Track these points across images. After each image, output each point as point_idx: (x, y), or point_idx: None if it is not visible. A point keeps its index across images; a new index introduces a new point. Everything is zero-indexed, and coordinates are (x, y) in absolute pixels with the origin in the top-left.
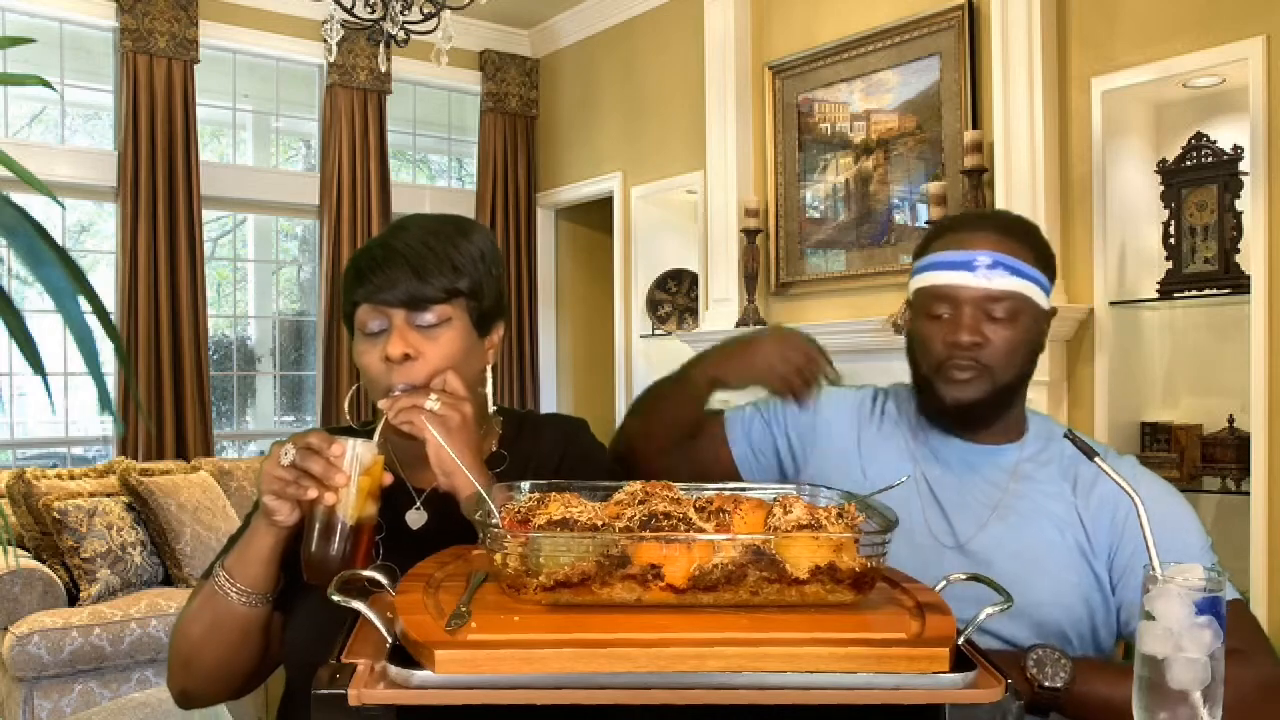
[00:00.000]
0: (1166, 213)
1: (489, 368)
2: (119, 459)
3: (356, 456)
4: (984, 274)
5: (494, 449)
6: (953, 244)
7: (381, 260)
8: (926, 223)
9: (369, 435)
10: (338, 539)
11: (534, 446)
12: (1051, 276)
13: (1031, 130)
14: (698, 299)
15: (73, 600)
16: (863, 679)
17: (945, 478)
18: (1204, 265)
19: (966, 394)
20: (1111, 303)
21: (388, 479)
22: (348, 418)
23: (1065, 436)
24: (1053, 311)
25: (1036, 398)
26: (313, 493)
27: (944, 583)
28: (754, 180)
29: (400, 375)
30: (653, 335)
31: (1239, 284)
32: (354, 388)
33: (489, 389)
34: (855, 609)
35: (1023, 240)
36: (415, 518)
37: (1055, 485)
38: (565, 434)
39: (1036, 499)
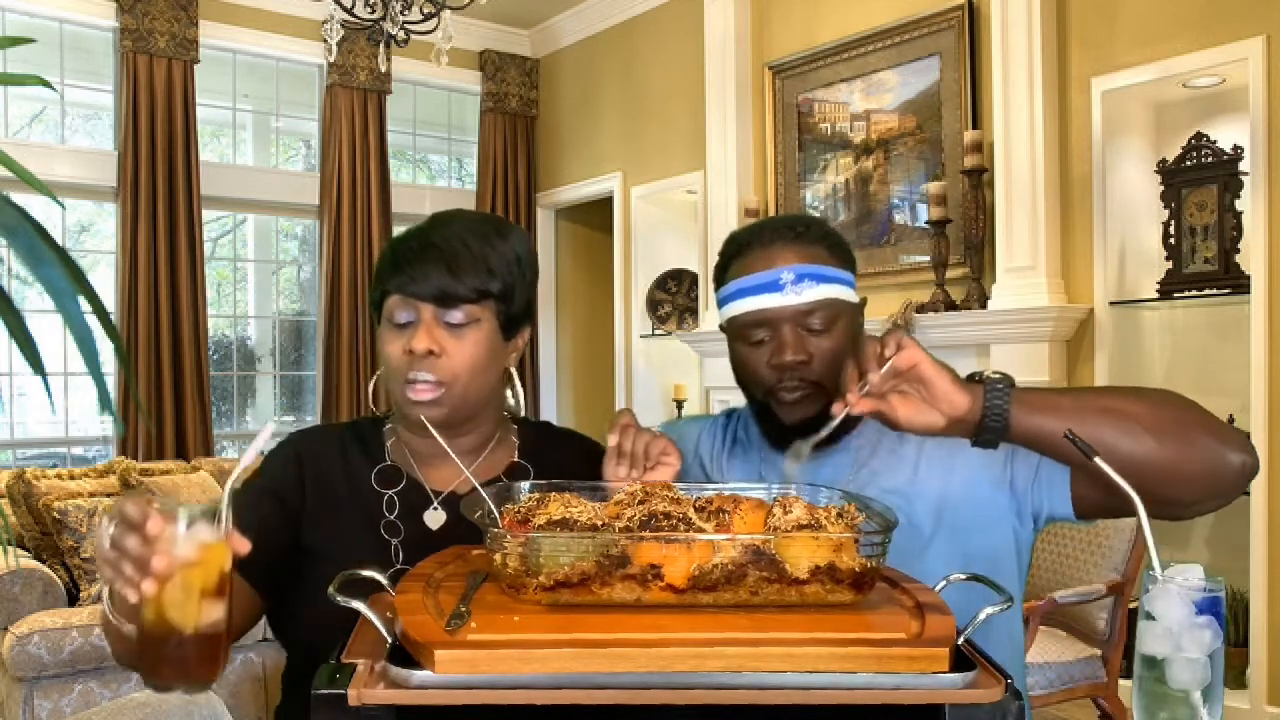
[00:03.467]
0: (1166, 213)
1: (514, 370)
2: (119, 459)
3: (188, 537)
4: (792, 290)
5: (514, 459)
6: (753, 265)
7: (418, 252)
8: (927, 222)
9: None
10: (172, 646)
11: (560, 462)
12: (853, 269)
13: (1031, 130)
14: (698, 299)
15: (73, 600)
16: (863, 679)
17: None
18: (1204, 265)
19: (805, 413)
20: (1111, 303)
21: (242, 547)
22: (372, 406)
23: (1065, 437)
24: (863, 301)
25: None
26: (133, 596)
27: (944, 583)
28: (754, 180)
29: (422, 369)
30: (653, 335)
31: (1239, 284)
32: (376, 375)
33: (519, 391)
34: (855, 609)
35: (819, 242)
36: (434, 518)
37: (890, 457)
38: (590, 456)
39: (883, 478)
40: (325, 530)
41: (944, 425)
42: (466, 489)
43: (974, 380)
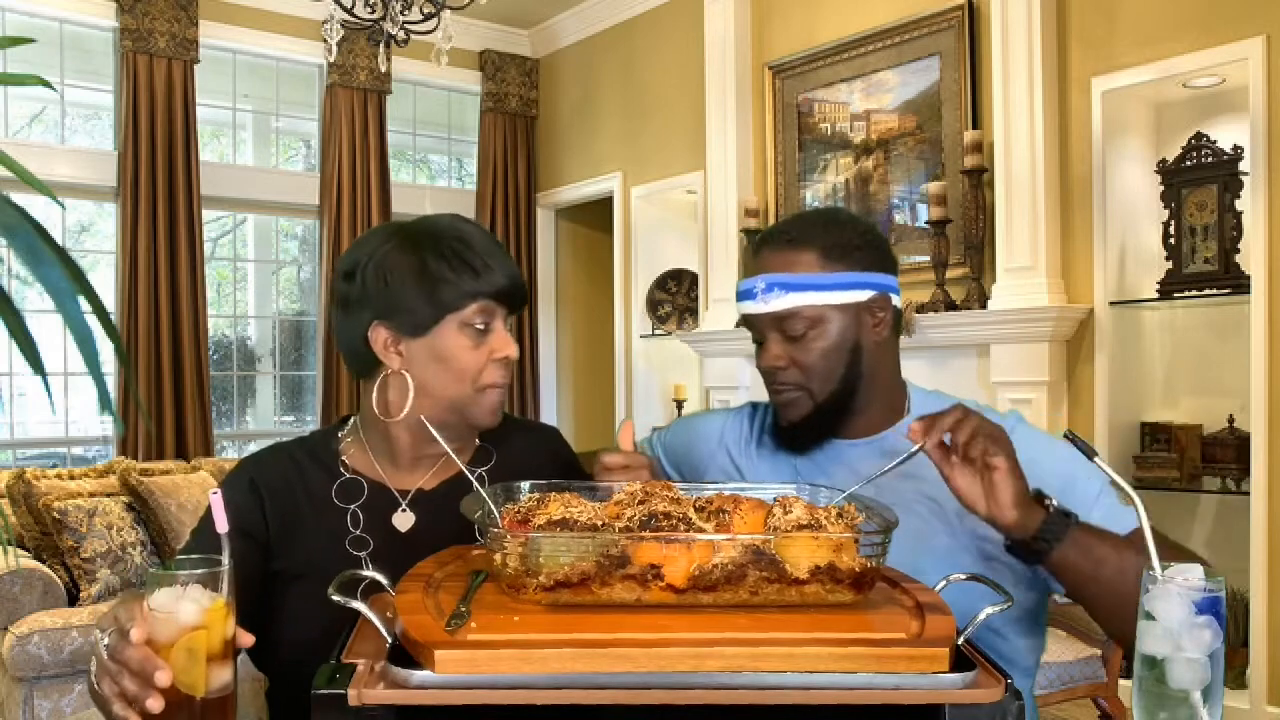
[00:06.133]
0: (1166, 213)
1: None
2: (119, 459)
3: (191, 602)
4: (763, 299)
5: (475, 443)
6: (745, 271)
7: (492, 255)
8: (927, 222)
9: (212, 562)
10: (181, 715)
11: (519, 448)
12: (859, 265)
13: (1031, 130)
14: (698, 299)
15: (73, 600)
16: (862, 679)
17: (831, 481)
18: (1204, 265)
19: (794, 414)
20: (1111, 303)
21: (246, 640)
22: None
23: (1065, 437)
24: (881, 299)
25: (1036, 398)
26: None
27: (944, 583)
28: (754, 180)
29: (505, 374)
30: (653, 335)
31: (1239, 284)
32: (381, 378)
33: None
34: (855, 609)
35: (805, 246)
36: (402, 520)
37: (930, 468)
38: (548, 441)
39: (909, 484)
40: (293, 555)
41: (983, 515)
42: (432, 487)
43: (1040, 501)
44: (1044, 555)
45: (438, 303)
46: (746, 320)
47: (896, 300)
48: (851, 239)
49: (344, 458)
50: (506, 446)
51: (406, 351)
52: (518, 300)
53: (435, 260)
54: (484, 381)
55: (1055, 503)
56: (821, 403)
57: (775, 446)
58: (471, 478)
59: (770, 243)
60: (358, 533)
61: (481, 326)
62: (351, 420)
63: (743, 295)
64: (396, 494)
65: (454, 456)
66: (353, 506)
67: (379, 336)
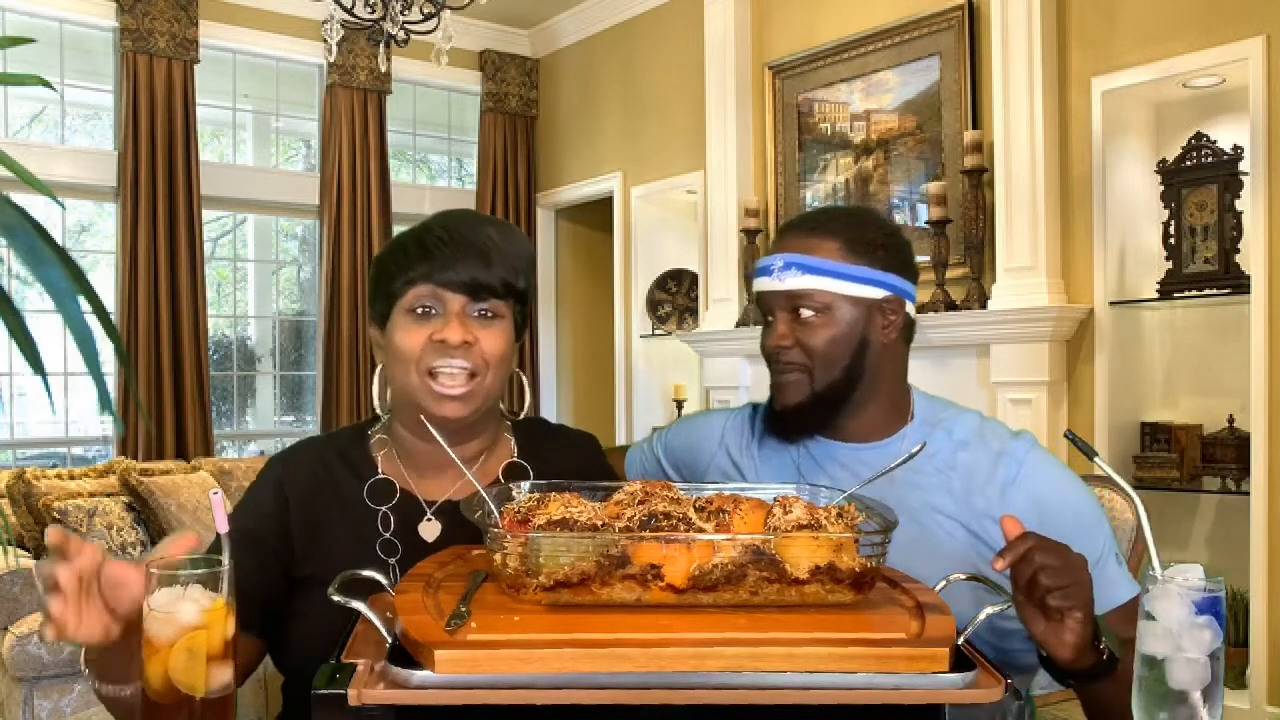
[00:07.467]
0: (1166, 213)
1: (519, 371)
2: (119, 459)
3: (191, 601)
4: (778, 276)
5: (511, 459)
6: (766, 252)
7: (449, 243)
8: (927, 223)
9: (213, 562)
10: (181, 715)
11: (554, 460)
12: (878, 264)
13: (1031, 130)
14: (698, 299)
15: None
16: (863, 679)
17: (833, 483)
18: (1204, 265)
19: (792, 397)
20: (1111, 303)
21: None
22: (376, 407)
23: (1065, 436)
24: (894, 301)
25: (1036, 398)
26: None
27: (944, 583)
28: (754, 180)
29: (455, 357)
30: (653, 335)
31: (1239, 284)
32: (378, 372)
33: (528, 396)
34: (855, 609)
35: (834, 236)
36: (428, 529)
37: (936, 477)
38: (585, 451)
39: (916, 493)
40: (319, 560)
41: (1036, 638)
42: (462, 497)
43: (1095, 641)
44: (1076, 685)
45: (387, 293)
46: (759, 298)
47: (910, 308)
48: (875, 237)
49: (377, 457)
50: (542, 461)
51: (382, 346)
52: (477, 290)
53: (390, 253)
54: (424, 365)
55: (1106, 646)
56: (819, 390)
57: (767, 433)
58: (474, 482)
59: (794, 228)
60: (388, 536)
61: (421, 311)
62: (381, 420)
63: (760, 272)
64: (424, 504)
65: (448, 449)
66: (383, 509)
67: (372, 335)
